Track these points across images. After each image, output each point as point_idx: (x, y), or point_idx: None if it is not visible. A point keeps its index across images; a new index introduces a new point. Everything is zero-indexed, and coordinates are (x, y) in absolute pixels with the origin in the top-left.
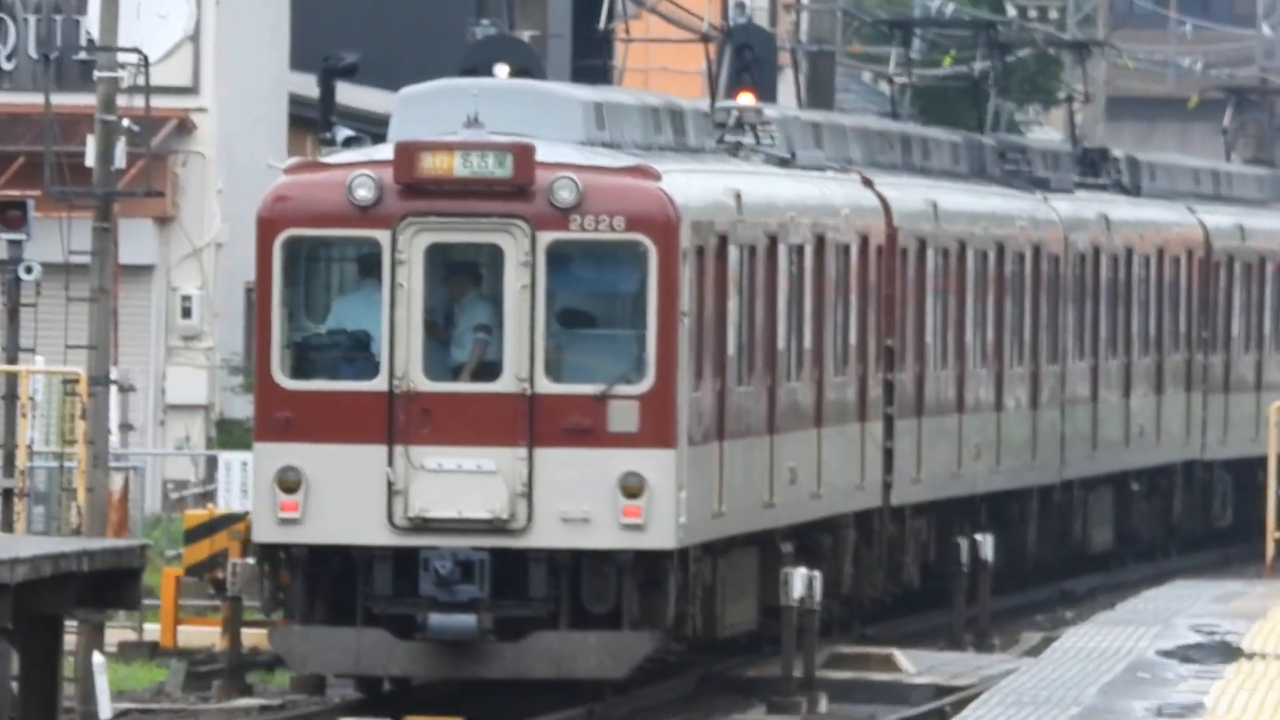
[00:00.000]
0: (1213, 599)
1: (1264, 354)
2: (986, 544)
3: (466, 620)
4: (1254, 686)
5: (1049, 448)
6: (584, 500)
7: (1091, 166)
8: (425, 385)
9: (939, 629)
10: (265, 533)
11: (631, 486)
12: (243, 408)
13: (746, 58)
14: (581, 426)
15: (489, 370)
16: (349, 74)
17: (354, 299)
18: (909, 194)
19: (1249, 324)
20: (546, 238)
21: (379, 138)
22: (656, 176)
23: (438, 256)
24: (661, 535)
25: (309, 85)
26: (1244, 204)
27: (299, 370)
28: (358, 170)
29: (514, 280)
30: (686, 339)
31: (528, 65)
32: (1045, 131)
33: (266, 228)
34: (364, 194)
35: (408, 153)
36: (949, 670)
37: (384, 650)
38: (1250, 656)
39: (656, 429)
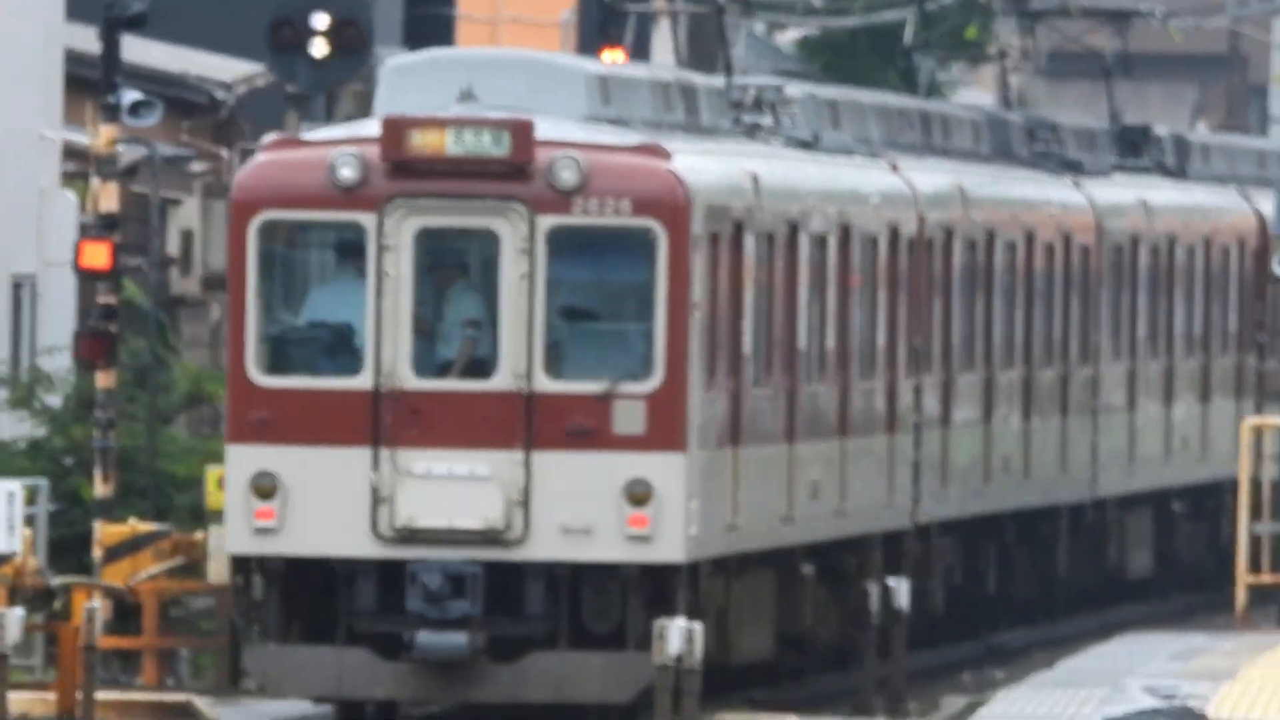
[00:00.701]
0: (1171, 655)
1: None
2: (901, 590)
3: (457, 639)
4: None
5: (1079, 461)
6: (586, 509)
7: (1132, 146)
8: (413, 383)
9: (844, 692)
10: (239, 543)
11: (638, 494)
12: (8, 427)
13: (614, 6)
14: (583, 428)
15: (483, 367)
16: (136, 25)
17: (336, 288)
18: (936, 179)
19: None
20: (546, 222)
21: (172, 101)
22: (666, 156)
23: (428, 242)
24: (670, 547)
25: (89, 39)
26: None
27: (276, 366)
28: (341, 147)
29: (511, 268)
30: (698, 334)
31: (352, 14)
32: (972, 93)
33: (240, 210)
34: (347, 173)
35: (396, 129)
36: None
37: (367, 671)
38: None
39: (665, 431)
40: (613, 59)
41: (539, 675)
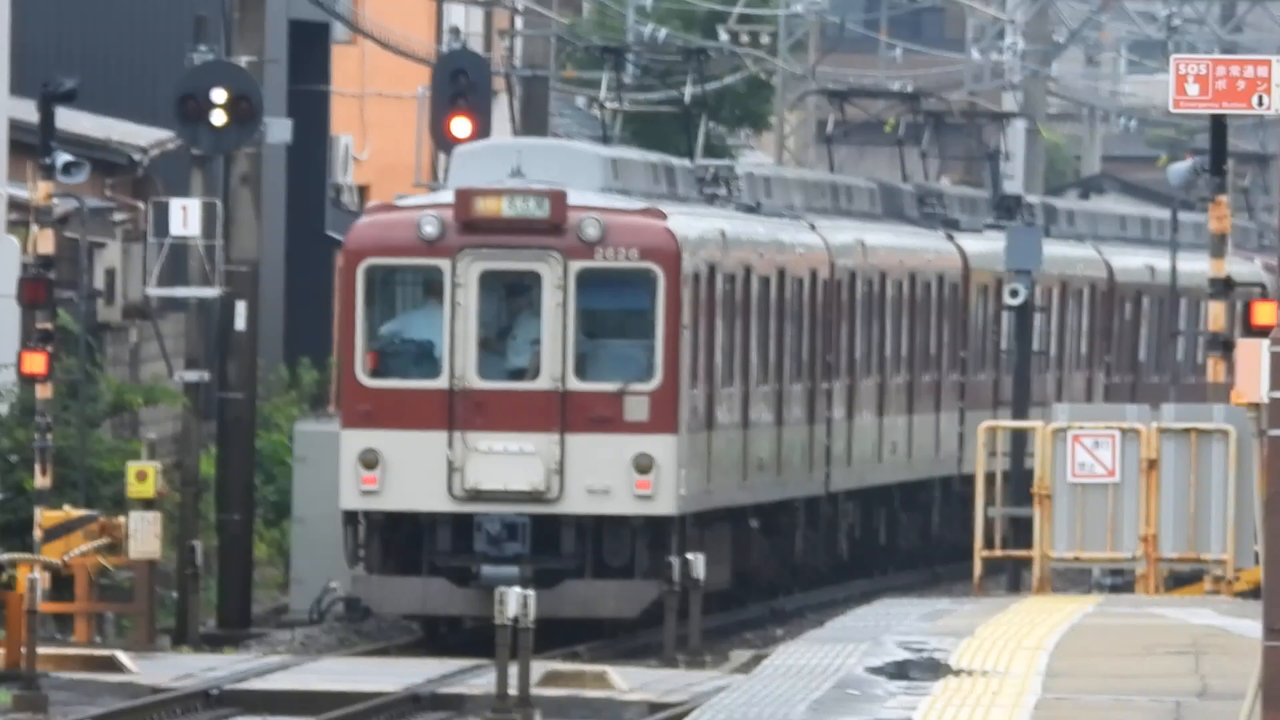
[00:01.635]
0: (921, 616)
1: (1177, 378)
2: (698, 563)
3: (511, 571)
4: (961, 702)
5: (949, 446)
6: (605, 476)
7: (1007, 210)
8: (478, 384)
9: (652, 647)
10: (350, 501)
11: (643, 464)
12: None
13: (461, 83)
14: (603, 416)
15: (531, 371)
16: (68, 100)
17: (421, 314)
18: (843, 235)
19: (1157, 350)
20: (576, 265)
21: (97, 162)
22: (664, 217)
23: (489, 280)
24: (666, 504)
25: (29, 111)
26: (1165, 247)
27: (377, 371)
28: (425, 211)
29: (550, 299)
30: (686, 347)
31: (245, 91)
32: (756, 155)
33: (351, 257)
34: (430, 230)
35: (465, 197)
36: (661, 687)
37: (445, 595)
38: (958, 673)
39: (663, 419)
40: (461, 124)
41: (571, 597)
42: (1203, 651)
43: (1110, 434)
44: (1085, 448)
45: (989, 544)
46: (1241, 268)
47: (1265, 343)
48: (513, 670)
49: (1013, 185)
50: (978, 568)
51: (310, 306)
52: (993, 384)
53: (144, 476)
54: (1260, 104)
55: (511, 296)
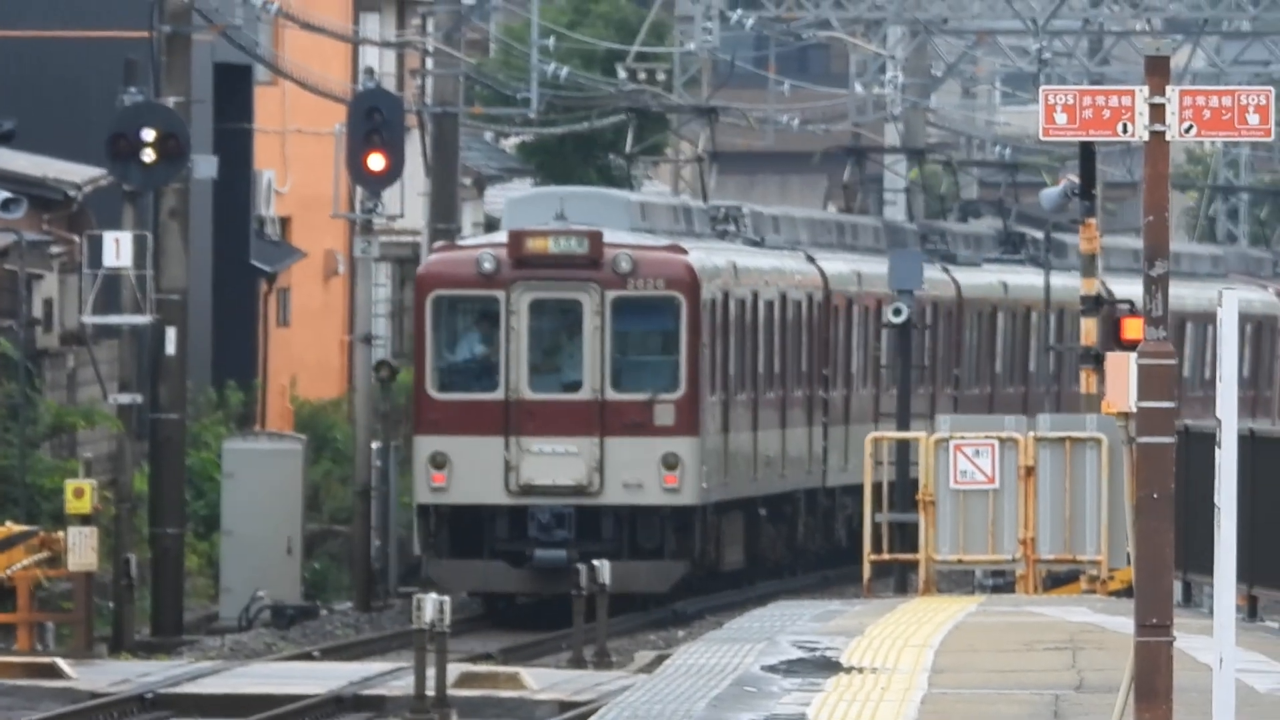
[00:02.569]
0: (813, 617)
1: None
2: (604, 569)
3: (560, 554)
4: (852, 698)
5: None
6: (638, 472)
7: (1013, 245)
8: (530, 395)
9: (563, 649)
10: (422, 497)
11: (670, 462)
12: None
13: (376, 120)
14: (636, 422)
15: (574, 384)
16: (6, 140)
17: (480, 337)
18: (840, 266)
19: None
20: (611, 294)
21: (34, 199)
22: (685, 252)
23: (538, 308)
24: (690, 495)
25: None
26: (1178, 277)
27: (444, 385)
28: (483, 250)
29: (590, 323)
30: (706, 362)
31: (173, 130)
32: (655, 185)
33: (422, 289)
34: (488, 266)
35: (517, 237)
36: (571, 687)
37: (503, 575)
38: (848, 670)
39: (687, 423)
40: (376, 159)
41: (610, 576)
42: (1079, 647)
43: (990, 443)
44: (966, 456)
45: (876, 548)
46: (1253, 295)
47: (1133, 356)
48: (430, 672)
49: (894, 212)
50: (866, 570)
51: (236, 332)
52: (987, 397)
53: (81, 493)
54: (1125, 131)
55: (557, 321)
